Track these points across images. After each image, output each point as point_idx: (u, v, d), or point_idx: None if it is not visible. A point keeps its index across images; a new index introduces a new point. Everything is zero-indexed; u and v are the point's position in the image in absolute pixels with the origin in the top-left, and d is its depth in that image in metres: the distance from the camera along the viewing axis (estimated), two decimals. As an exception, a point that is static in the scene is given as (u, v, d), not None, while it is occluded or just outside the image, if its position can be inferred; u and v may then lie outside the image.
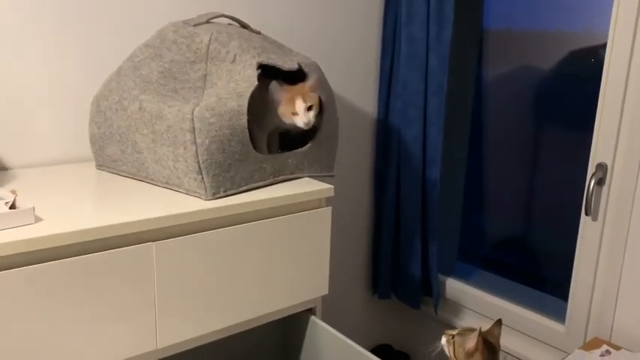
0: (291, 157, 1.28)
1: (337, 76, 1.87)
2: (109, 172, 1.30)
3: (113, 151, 1.24)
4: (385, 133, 1.96)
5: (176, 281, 1.06)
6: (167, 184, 1.17)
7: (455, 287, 2.04)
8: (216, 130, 1.10)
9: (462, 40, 1.95)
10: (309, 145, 1.32)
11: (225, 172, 1.13)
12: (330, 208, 1.30)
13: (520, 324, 1.83)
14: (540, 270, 2.05)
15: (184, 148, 1.10)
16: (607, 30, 1.48)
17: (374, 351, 2.02)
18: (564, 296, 1.68)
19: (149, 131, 1.15)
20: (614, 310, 1.54)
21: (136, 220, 0.99)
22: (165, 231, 1.05)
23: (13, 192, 1.00)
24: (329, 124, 1.36)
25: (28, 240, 0.89)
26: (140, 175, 1.22)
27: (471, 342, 1.22)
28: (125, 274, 1.00)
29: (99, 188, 1.18)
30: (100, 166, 1.31)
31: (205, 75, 1.19)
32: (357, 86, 1.93)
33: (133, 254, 1.00)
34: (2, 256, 0.87)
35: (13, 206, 0.96)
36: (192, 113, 1.09)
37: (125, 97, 1.20)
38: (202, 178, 1.10)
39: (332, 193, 1.29)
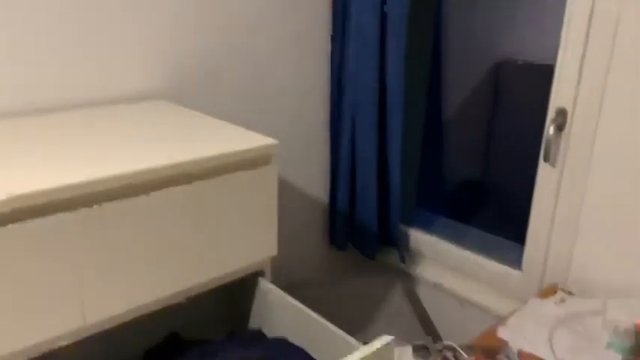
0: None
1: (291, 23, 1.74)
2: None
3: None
4: (339, 87, 1.86)
5: (105, 250, 0.97)
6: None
7: (412, 236, 1.99)
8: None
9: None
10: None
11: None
12: (275, 167, 1.18)
13: (479, 271, 1.81)
14: (500, 215, 2.03)
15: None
16: None
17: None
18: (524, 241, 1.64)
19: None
20: (571, 256, 1.52)
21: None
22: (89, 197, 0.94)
23: None
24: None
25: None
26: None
27: None
28: (48, 245, 0.91)
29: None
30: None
31: None
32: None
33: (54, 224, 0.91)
34: None
35: None
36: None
37: None
38: None
39: (277, 150, 1.16)
